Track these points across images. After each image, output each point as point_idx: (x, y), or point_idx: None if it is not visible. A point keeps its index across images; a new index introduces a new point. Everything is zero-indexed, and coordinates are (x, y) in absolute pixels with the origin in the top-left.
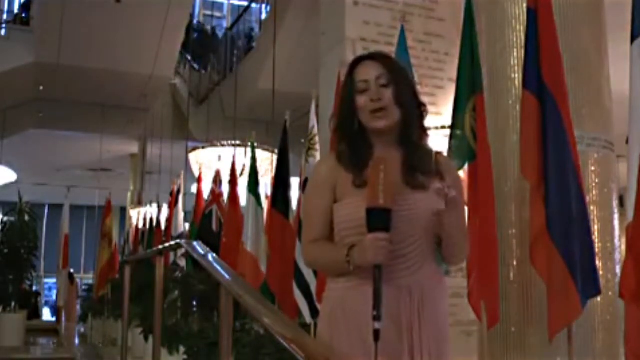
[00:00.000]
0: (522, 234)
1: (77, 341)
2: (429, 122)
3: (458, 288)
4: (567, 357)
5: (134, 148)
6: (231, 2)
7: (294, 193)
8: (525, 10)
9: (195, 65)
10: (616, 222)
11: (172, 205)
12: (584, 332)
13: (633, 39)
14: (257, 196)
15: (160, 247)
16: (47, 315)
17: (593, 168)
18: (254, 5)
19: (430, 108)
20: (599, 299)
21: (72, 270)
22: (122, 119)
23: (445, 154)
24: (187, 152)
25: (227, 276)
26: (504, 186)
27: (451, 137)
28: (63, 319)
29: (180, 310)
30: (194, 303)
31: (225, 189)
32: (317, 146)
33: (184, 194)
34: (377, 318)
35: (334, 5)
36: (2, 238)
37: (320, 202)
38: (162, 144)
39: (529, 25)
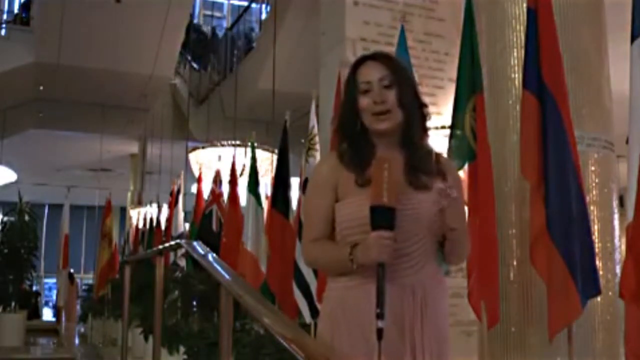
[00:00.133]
0: (522, 234)
1: (77, 341)
2: (429, 122)
3: (458, 288)
4: (567, 357)
5: (134, 148)
6: (231, 2)
7: (294, 193)
8: (525, 10)
9: (195, 65)
10: (616, 222)
11: (172, 205)
12: (584, 332)
13: (633, 39)
14: (257, 196)
15: (160, 247)
16: (48, 315)
17: (593, 168)
18: (254, 5)
19: (430, 108)
20: (599, 299)
21: (72, 270)
22: (122, 119)
23: (445, 154)
24: (187, 152)
25: (227, 276)
26: (504, 186)
27: (451, 137)
28: (63, 319)
29: (180, 310)
30: (194, 303)
31: (225, 189)
32: (317, 146)
33: (184, 194)
34: (380, 316)
35: (334, 5)
36: (2, 238)
37: (321, 202)
38: (162, 144)
39: (529, 25)
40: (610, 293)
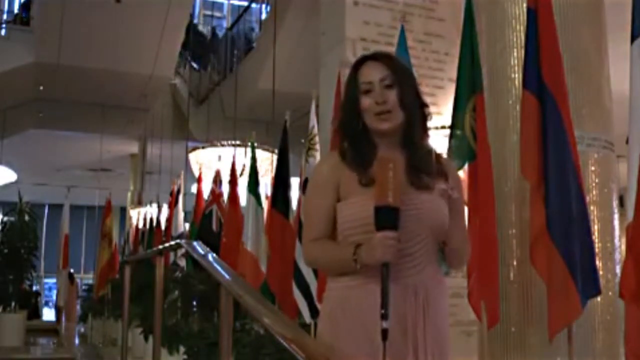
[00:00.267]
0: (522, 234)
1: (77, 341)
2: (429, 122)
3: (458, 288)
4: (567, 357)
5: (134, 148)
6: (231, 2)
7: (294, 193)
8: (525, 10)
9: (195, 65)
10: (616, 222)
11: (172, 205)
12: (584, 332)
13: (633, 39)
14: (257, 196)
15: (160, 247)
16: (49, 315)
17: (593, 168)
18: (254, 5)
19: (430, 108)
20: (599, 299)
21: (72, 270)
22: (122, 119)
23: (445, 154)
24: (187, 152)
25: (227, 276)
26: (504, 186)
27: (451, 137)
28: (63, 319)
29: (180, 310)
30: (194, 303)
31: (225, 189)
32: (317, 146)
33: (184, 194)
34: (384, 317)
35: (334, 5)
36: (2, 238)
37: (322, 201)
38: (162, 144)
39: (529, 25)
40: (610, 293)
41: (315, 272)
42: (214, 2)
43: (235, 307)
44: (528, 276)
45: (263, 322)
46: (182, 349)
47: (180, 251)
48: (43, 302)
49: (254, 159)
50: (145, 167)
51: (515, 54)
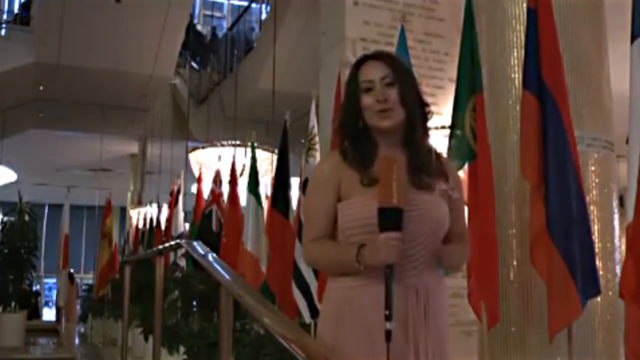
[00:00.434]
0: (522, 234)
1: (77, 341)
2: (430, 121)
3: (458, 288)
4: (567, 357)
5: (134, 148)
6: (231, 2)
7: (294, 193)
8: (525, 10)
9: (195, 65)
10: (616, 222)
11: (172, 205)
12: (584, 332)
13: (633, 39)
14: (257, 196)
15: (160, 247)
16: (49, 315)
17: (593, 168)
18: (254, 5)
19: (430, 108)
20: (599, 299)
21: (72, 270)
22: (122, 119)
23: (445, 154)
24: (187, 152)
25: (227, 276)
26: (504, 186)
27: (451, 137)
28: (63, 319)
29: (180, 310)
30: (194, 303)
31: (225, 189)
32: (317, 146)
33: (184, 194)
34: (388, 318)
35: (334, 5)
36: (2, 238)
37: (322, 201)
38: (162, 144)
39: (529, 25)
40: (610, 293)
41: (316, 272)
42: (214, 2)
43: (235, 307)
44: (528, 276)
45: (263, 322)
46: (182, 349)
47: (180, 251)
48: (43, 302)
49: (254, 159)
50: (145, 167)
51: (515, 54)
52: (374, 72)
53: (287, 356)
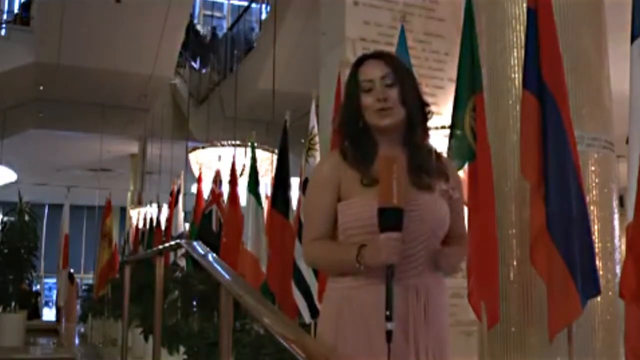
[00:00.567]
0: (522, 234)
1: (77, 341)
2: (430, 121)
3: (458, 288)
4: (567, 357)
5: (134, 148)
6: (231, 2)
7: (294, 193)
8: (525, 10)
9: (195, 65)
10: (616, 222)
11: (172, 205)
12: (584, 332)
13: (633, 39)
14: (257, 196)
15: (160, 247)
16: (49, 315)
17: (593, 168)
18: (254, 5)
19: (430, 107)
20: (599, 299)
21: (72, 270)
22: (122, 119)
23: (445, 154)
24: (187, 152)
25: (227, 276)
26: (504, 186)
27: (451, 137)
28: (63, 319)
29: (180, 310)
30: (194, 303)
31: (225, 189)
32: (317, 146)
33: (184, 194)
34: (389, 318)
35: (334, 5)
36: (2, 238)
37: (322, 201)
38: (162, 144)
39: (529, 25)
40: (610, 293)
41: (316, 272)
42: (214, 2)
43: (235, 307)
44: (528, 276)
45: (263, 322)
46: (182, 349)
47: (180, 251)
48: (43, 302)
49: (254, 159)
50: (145, 167)
51: (515, 54)
52: (374, 72)
53: (287, 356)
